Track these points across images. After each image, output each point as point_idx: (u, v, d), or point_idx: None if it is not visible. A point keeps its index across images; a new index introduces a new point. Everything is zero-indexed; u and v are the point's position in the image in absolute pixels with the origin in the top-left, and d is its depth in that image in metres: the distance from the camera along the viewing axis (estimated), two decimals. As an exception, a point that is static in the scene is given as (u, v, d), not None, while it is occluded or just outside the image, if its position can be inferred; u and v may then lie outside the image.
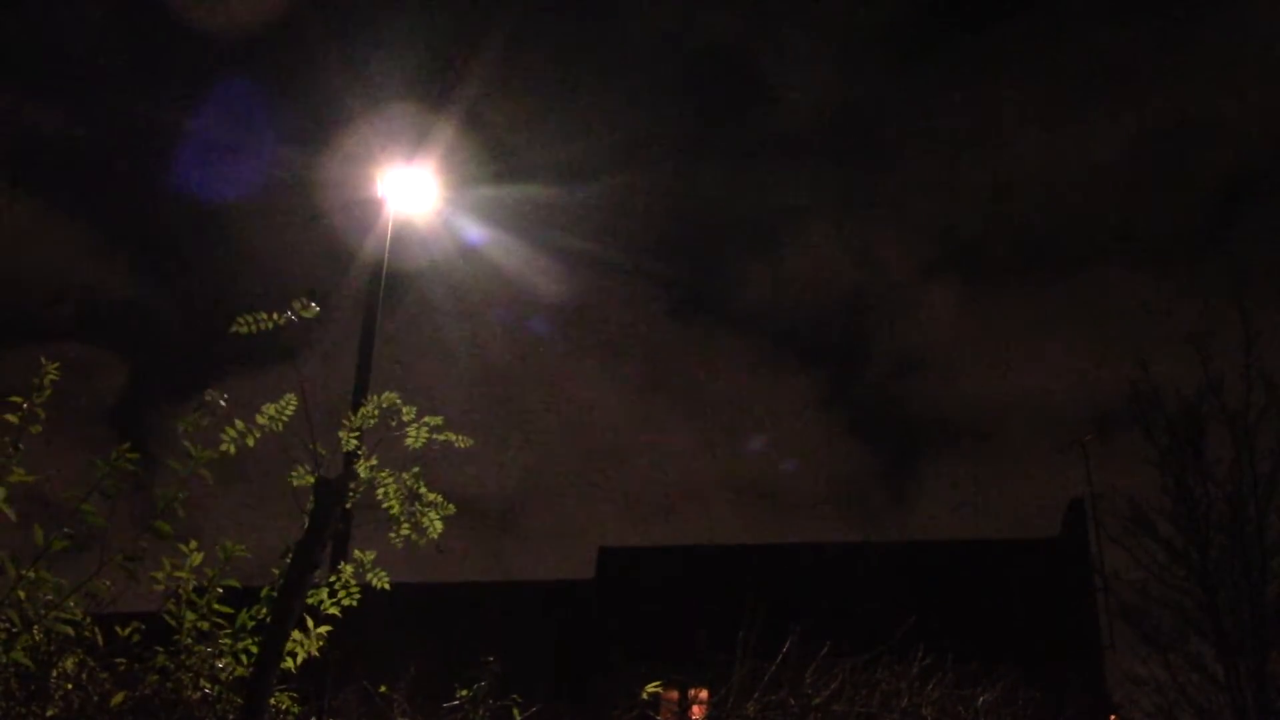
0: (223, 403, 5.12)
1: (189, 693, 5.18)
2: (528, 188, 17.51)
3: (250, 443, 5.25)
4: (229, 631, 5.39)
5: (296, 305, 5.11)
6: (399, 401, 5.42)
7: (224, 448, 5.20)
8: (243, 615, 5.43)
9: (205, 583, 5.39)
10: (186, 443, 5.13)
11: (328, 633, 5.67)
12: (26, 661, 4.81)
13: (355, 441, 5.34)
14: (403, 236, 13.69)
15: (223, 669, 5.32)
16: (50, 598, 4.89)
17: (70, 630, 4.96)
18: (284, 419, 5.20)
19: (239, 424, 5.22)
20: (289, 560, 5.05)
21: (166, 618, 5.35)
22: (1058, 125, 53.34)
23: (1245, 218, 58.16)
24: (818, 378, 56.15)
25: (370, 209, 13.44)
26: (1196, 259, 54.18)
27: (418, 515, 5.37)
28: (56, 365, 5.02)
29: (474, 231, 15.29)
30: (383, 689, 6.39)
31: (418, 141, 14.22)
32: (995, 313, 50.32)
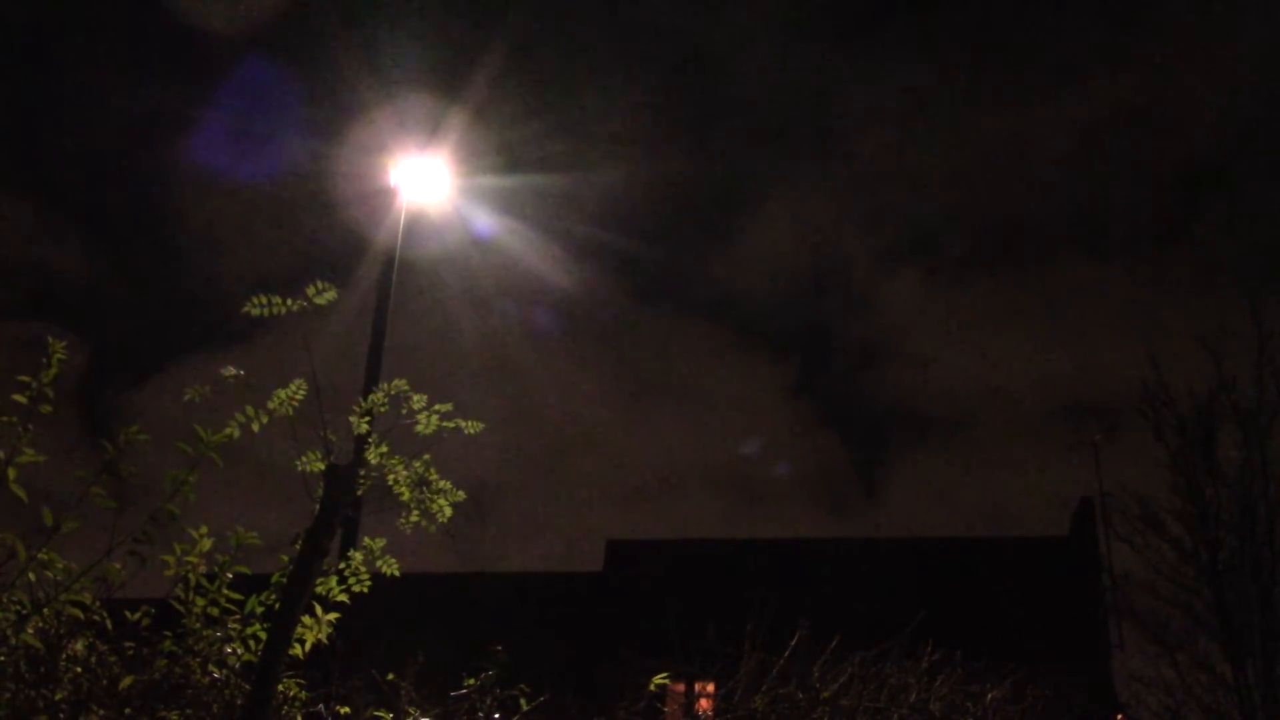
0: (240, 374, 5.10)
1: (198, 677, 5.18)
2: (534, 177, 17.48)
3: (256, 428, 5.23)
4: (238, 617, 5.39)
5: (311, 291, 5.10)
6: (407, 389, 5.42)
7: (228, 431, 5.19)
8: (251, 601, 5.42)
9: (215, 568, 5.38)
10: (196, 426, 5.13)
11: (336, 620, 5.67)
12: (36, 644, 4.81)
13: (366, 427, 5.33)
14: (414, 225, 13.71)
15: (231, 654, 5.31)
16: (60, 580, 4.89)
17: (79, 613, 4.96)
18: (295, 404, 5.19)
19: (249, 409, 5.21)
20: (299, 547, 5.04)
21: (174, 603, 5.35)
22: (1012, 112, 53.30)
23: (1207, 210, 58.12)
24: (786, 366, 56.27)
25: (384, 198, 13.46)
26: (1161, 250, 54.18)
27: (427, 502, 5.37)
28: (64, 345, 5.00)
29: (484, 221, 15.30)
30: (390, 677, 6.38)
31: (431, 131, 14.23)
32: (959, 302, 50.37)
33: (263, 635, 5.27)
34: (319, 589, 5.52)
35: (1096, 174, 53.83)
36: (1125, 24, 55.41)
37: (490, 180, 15.27)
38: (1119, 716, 17.44)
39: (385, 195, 13.53)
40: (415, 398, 5.42)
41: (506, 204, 15.86)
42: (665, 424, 44.36)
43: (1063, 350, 44.68)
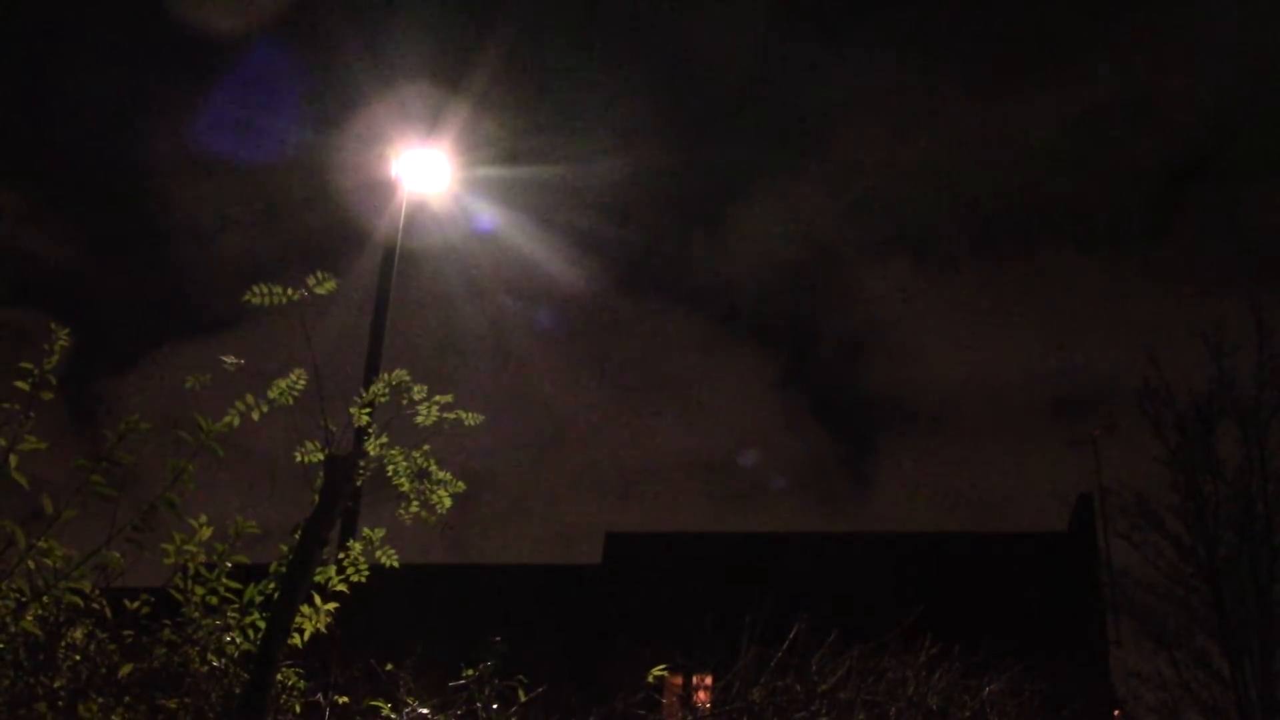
0: (240, 362, 5.10)
1: (196, 666, 5.18)
2: (533, 169, 17.46)
3: (256, 416, 5.23)
4: (237, 606, 5.40)
5: (311, 281, 5.10)
6: (408, 379, 5.42)
7: (228, 419, 5.18)
8: (251, 590, 5.42)
9: (214, 557, 5.38)
10: (197, 415, 5.12)
11: (335, 610, 5.67)
12: (35, 631, 4.81)
13: (367, 418, 5.33)
14: (415, 217, 13.73)
15: (230, 643, 5.32)
16: (59, 568, 4.89)
17: (79, 601, 4.96)
18: (295, 394, 5.19)
19: (249, 398, 5.21)
20: (298, 537, 5.05)
21: (174, 592, 5.35)
22: (997, 104, 53.05)
23: (1192, 203, 58.04)
24: (773, 358, 56.16)
25: (385, 189, 13.48)
26: (1149, 243, 54.07)
27: (427, 493, 5.38)
28: (67, 331, 4.99)
29: (484, 212, 15.30)
30: (389, 667, 6.39)
31: (432, 122, 14.23)
32: (946, 295, 50.16)
33: (262, 624, 5.27)
34: (318, 579, 5.53)
35: (1082, 167, 53.71)
36: (1110, 16, 55.29)
37: (490, 172, 15.28)
38: (1116, 712, 17.47)
39: (386, 186, 13.54)
40: (416, 388, 5.41)
41: (506, 196, 15.86)
42: (654, 416, 44.34)
43: (1051, 344, 44.71)
